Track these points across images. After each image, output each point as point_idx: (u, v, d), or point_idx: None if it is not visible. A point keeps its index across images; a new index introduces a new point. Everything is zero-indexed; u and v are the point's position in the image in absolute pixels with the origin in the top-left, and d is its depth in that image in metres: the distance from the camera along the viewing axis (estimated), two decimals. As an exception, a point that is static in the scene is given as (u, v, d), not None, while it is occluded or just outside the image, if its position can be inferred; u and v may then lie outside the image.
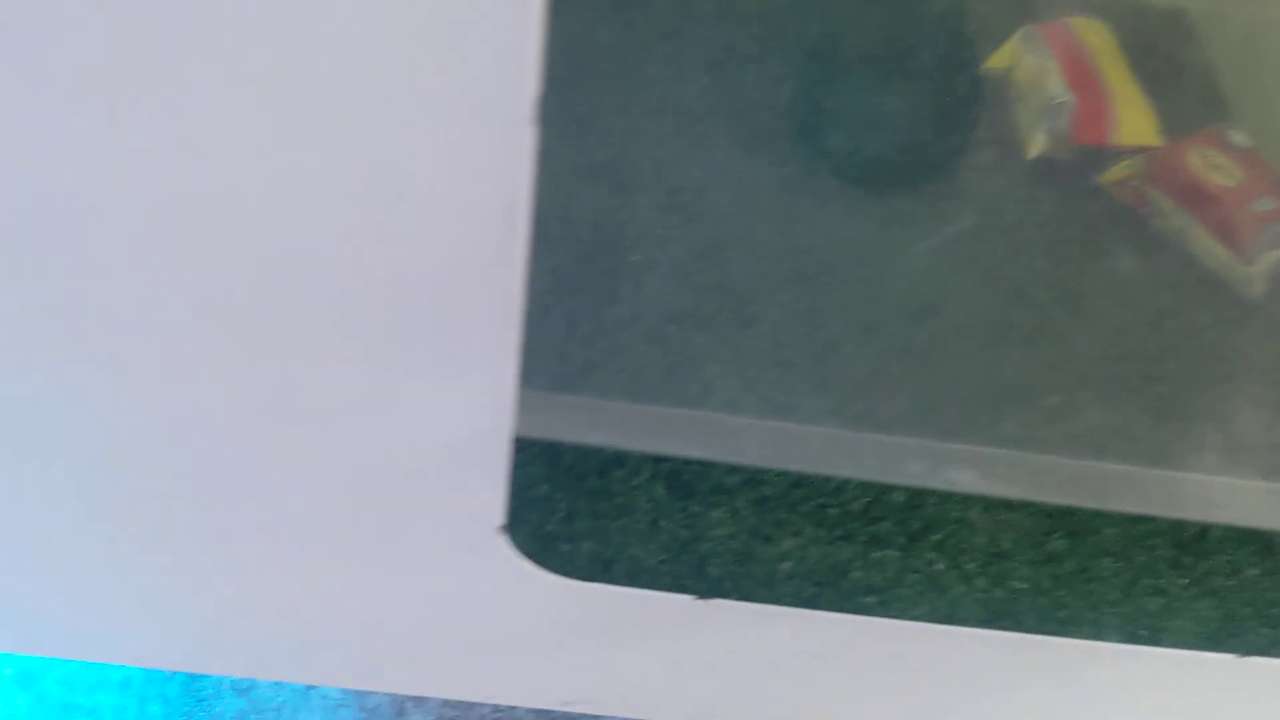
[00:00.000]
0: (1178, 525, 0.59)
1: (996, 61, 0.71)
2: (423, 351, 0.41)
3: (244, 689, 0.84)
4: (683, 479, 0.60)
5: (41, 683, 0.84)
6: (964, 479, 0.61)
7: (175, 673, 0.84)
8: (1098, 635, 0.56)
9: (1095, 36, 0.70)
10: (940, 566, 0.58)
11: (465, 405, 0.42)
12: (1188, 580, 0.58)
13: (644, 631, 0.60)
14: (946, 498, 0.61)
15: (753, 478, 0.60)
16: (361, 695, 0.85)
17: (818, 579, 0.58)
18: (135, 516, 0.49)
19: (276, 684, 0.85)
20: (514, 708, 0.85)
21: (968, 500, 0.61)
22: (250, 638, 0.63)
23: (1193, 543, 0.59)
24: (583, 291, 0.64)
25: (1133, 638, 0.56)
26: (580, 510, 0.59)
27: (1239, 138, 0.66)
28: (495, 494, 0.47)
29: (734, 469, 0.60)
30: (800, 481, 0.59)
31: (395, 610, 0.59)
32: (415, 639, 0.62)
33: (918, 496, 0.61)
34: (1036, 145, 0.68)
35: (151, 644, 0.68)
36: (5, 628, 0.67)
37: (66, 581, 0.60)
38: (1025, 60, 0.69)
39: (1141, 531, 0.59)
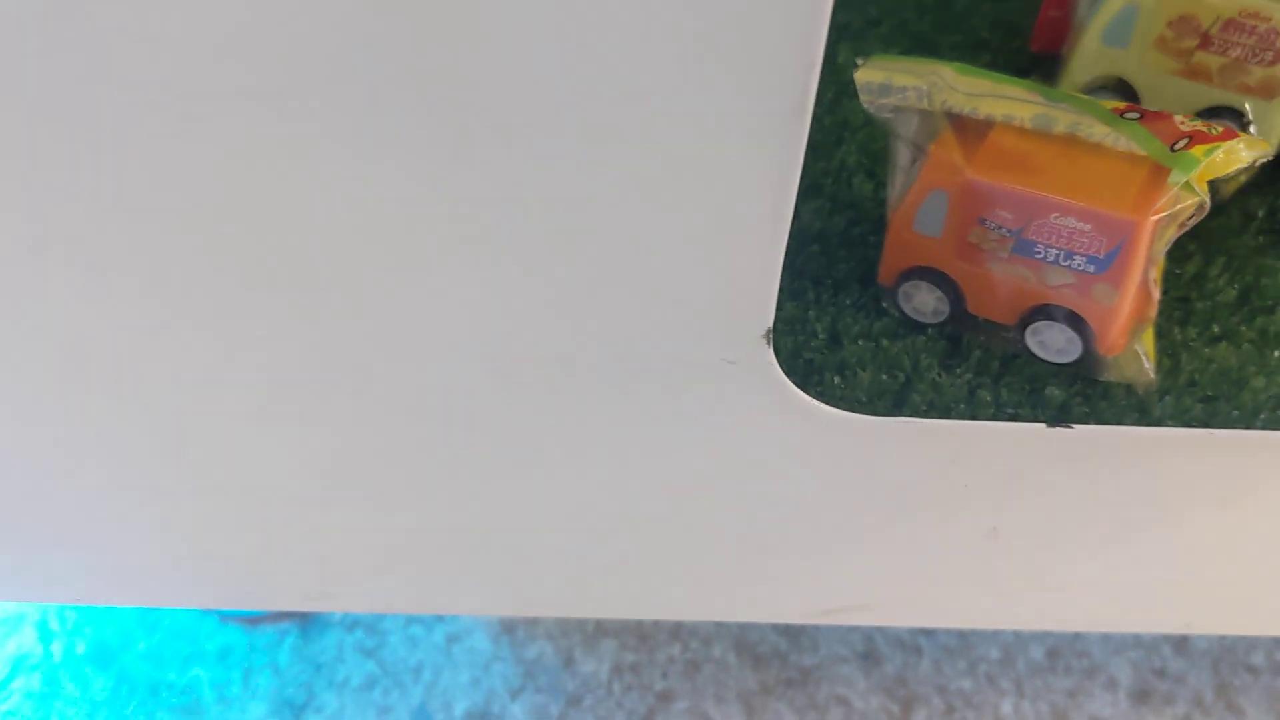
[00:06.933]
0: None
1: None
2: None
3: (371, 649, 0.68)
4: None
5: (122, 659, 0.68)
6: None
7: (285, 636, 0.68)
8: None
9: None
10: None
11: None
12: None
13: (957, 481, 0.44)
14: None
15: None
16: (518, 645, 0.68)
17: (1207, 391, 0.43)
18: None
19: (410, 640, 0.68)
20: (709, 647, 0.68)
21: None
22: (410, 545, 0.48)
23: None
24: None
25: None
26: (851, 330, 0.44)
27: None
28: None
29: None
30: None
31: (615, 485, 0.44)
32: (639, 529, 0.47)
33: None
34: None
35: (260, 580, 0.53)
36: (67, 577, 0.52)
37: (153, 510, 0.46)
38: None
39: None
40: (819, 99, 0.54)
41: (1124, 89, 0.50)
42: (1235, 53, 0.47)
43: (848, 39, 0.57)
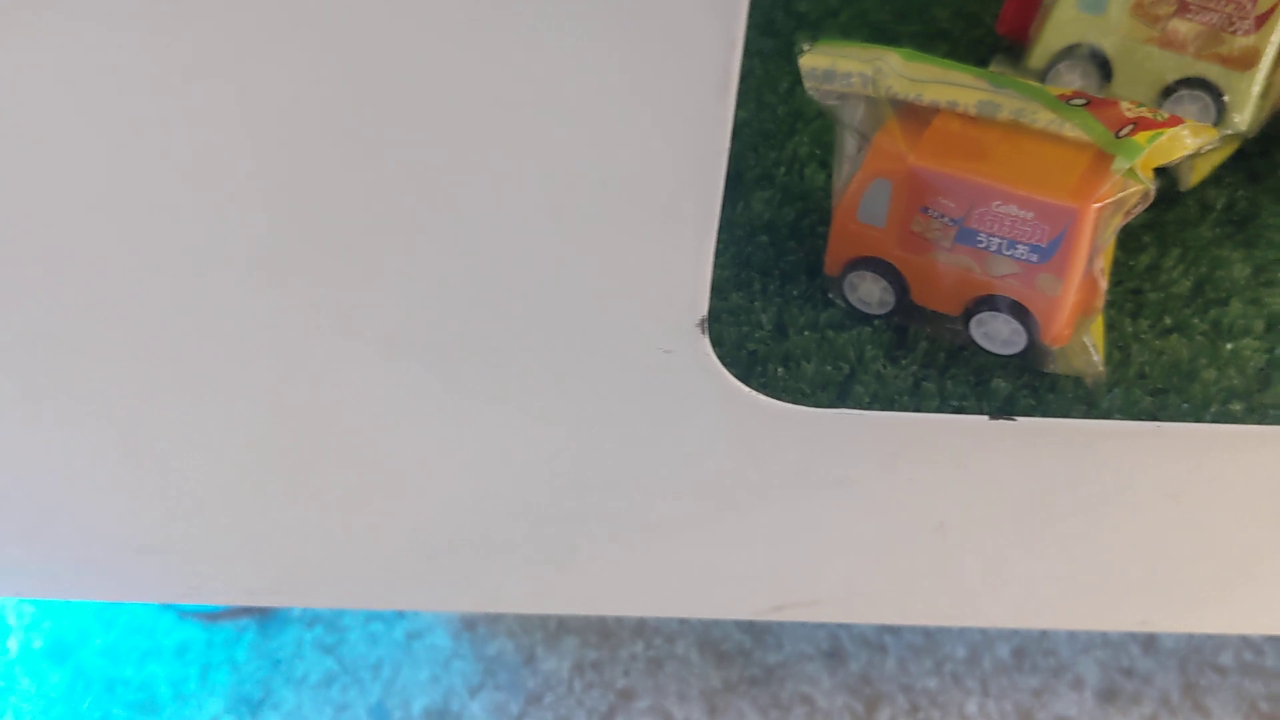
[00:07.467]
0: None
1: None
2: None
3: (330, 646, 0.67)
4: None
5: (79, 655, 0.67)
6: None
7: (243, 633, 0.68)
8: None
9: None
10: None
11: None
12: None
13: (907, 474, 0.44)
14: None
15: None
16: (479, 642, 0.68)
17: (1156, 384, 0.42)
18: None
19: (370, 636, 0.68)
20: (672, 645, 0.67)
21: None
22: (361, 541, 0.48)
23: None
24: None
25: None
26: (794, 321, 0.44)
27: None
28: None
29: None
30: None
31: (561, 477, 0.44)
32: (584, 531, 0.46)
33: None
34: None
35: (215, 573, 0.52)
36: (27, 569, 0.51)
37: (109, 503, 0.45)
38: None
39: None
40: (773, 88, 0.54)
41: (1096, 59, 0.49)
42: (1211, 20, 0.46)
43: (805, 28, 0.56)
